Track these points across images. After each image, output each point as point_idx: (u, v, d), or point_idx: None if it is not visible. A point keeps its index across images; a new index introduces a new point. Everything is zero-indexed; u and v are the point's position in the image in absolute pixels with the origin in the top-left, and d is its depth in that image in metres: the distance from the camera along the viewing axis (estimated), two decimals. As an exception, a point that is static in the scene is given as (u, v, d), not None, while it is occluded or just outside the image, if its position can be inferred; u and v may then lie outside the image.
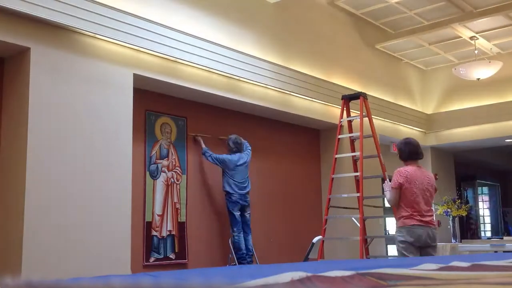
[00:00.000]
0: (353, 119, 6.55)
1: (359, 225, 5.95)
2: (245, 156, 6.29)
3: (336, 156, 6.34)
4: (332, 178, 6.29)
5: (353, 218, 6.24)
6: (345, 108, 6.55)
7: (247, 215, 6.23)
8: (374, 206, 7.00)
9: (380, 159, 6.22)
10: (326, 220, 6.21)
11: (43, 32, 4.51)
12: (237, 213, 6.11)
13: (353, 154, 6.43)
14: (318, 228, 6.58)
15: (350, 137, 6.56)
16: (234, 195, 6.10)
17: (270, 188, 7.15)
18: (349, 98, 6.59)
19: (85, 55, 4.80)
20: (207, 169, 6.38)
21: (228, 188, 6.11)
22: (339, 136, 6.47)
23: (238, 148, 6.24)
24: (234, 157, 6.19)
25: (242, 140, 6.36)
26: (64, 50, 4.64)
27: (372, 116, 6.54)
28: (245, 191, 6.20)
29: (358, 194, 6.06)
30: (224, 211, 6.45)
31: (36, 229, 4.26)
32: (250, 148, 6.41)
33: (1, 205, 4.45)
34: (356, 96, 6.51)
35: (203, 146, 6.16)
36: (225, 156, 6.15)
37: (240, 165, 6.20)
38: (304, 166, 7.77)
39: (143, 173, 5.70)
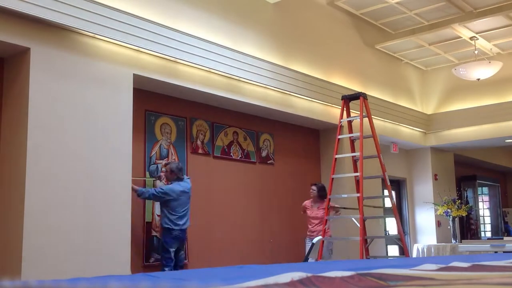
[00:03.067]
0: (353, 119, 6.54)
1: (359, 225, 5.95)
2: (188, 183, 5.58)
3: (336, 156, 6.33)
4: (332, 179, 6.28)
5: (353, 219, 6.23)
6: (345, 108, 6.54)
7: (182, 255, 5.54)
8: (374, 207, 7.00)
9: (380, 159, 6.21)
10: (326, 220, 6.20)
11: (43, 32, 4.50)
12: (172, 251, 5.33)
13: (353, 154, 6.42)
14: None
15: (350, 137, 6.55)
16: (175, 230, 5.34)
17: (269, 188, 7.15)
18: (349, 98, 6.58)
19: (85, 55, 4.80)
20: (206, 170, 6.38)
21: (169, 224, 5.32)
22: (339, 136, 6.45)
23: (179, 176, 5.51)
24: (177, 185, 5.45)
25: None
26: (64, 50, 4.64)
27: (372, 116, 6.53)
28: (186, 226, 5.47)
29: (358, 195, 6.04)
30: (224, 211, 6.44)
31: (36, 229, 4.26)
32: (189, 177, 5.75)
33: (1, 205, 4.45)
34: (356, 96, 6.50)
35: (137, 188, 5.28)
36: (167, 187, 5.42)
37: (185, 192, 5.49)
38: (304, 166, 7.76)
39: (143, 173, 5.69)
